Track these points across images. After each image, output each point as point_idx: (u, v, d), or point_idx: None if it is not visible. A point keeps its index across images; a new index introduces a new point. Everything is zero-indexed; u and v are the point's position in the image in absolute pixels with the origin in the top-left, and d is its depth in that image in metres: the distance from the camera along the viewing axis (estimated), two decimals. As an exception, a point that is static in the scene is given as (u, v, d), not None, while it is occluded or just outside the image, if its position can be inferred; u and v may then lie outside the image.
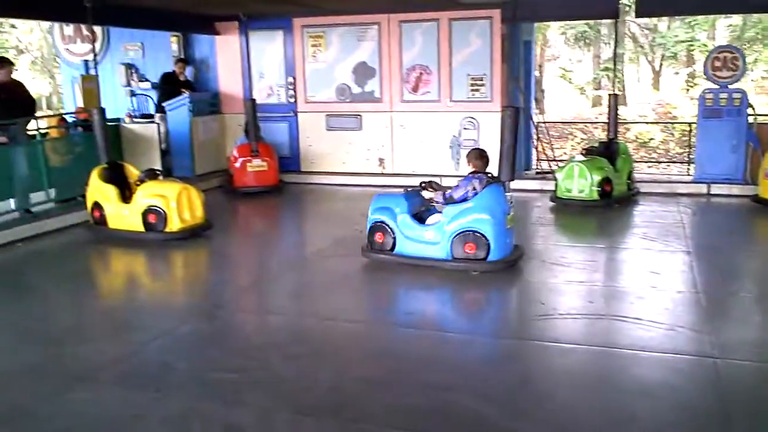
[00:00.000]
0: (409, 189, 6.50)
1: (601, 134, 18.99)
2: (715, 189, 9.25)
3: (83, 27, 11.51)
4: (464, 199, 6.05)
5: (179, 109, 10.56)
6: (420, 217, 6.34)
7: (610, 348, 4.43)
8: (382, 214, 6.32)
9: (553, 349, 4.43)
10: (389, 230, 6.28)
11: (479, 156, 6.21)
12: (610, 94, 9.61)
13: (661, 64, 26.02)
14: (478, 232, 5.89)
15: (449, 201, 6.12)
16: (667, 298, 5.29)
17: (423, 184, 6.40)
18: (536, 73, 13.54)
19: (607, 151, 9.07)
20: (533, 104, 11.34)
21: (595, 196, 8.49)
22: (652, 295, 5.37)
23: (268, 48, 11.10)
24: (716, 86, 9.23)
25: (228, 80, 11.45)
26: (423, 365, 4.29)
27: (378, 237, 6.33)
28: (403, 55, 10.43)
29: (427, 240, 6.12)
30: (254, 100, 10.11)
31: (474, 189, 6.04)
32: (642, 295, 5.37)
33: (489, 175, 6.12)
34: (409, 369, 4.23)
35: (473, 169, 6.18)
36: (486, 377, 4.11)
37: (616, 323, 4.81)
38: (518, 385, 4.02)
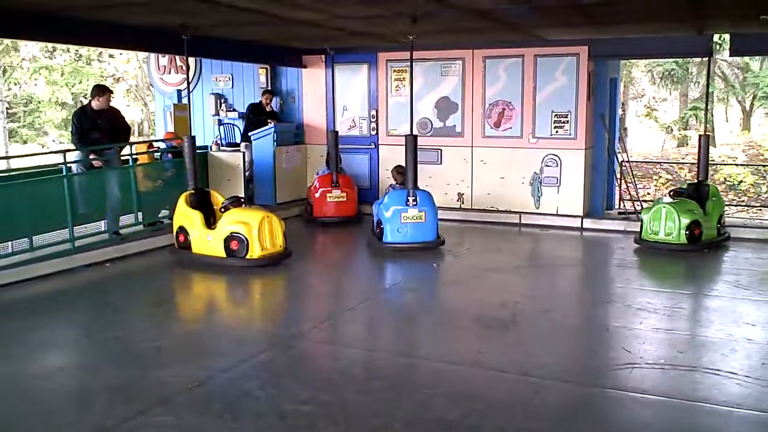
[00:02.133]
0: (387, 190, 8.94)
1: (686, 175, 18.39)
2: (814, 237, 8.76)
3: (178, 58, 12.02)
4: None
5: (264, 138, 10.81)
6: None
7: (702, 403, 4.18)
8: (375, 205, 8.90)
9: (640, 400, 4.22)
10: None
11: (398, 171, 8.86)
12: (700, 135, 9.27)
13: (752, 104, 25.07)
14: (380, 220, 8.33)
15: None
16: (763, 352, 4.98)
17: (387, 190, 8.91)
18: (620, 112, 13.25)
19: (696, 194, 8.73)
20: (617, 143, 11.06)
21: (684, 239, 8.16)
22: (746, 348, 5.08)
23: (352, 81, 11.28)
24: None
25: (312, 112, 11.67)
26: (499, 409, 4.17)
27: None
28: (487, 91, 10.39)
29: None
30: (337, 132, 10.26)
31: (388, 193, 8.61)
32: (735, 348, 5.08)
33: (401, 184, 8.61)
34: (486, 412, 4.11)
35: (394, 182, 8.93)
36: (566, 426, 3.95)
37: (708, 376, 4.54)
38: (602, 436, 3.85)
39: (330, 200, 10.08)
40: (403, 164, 8.65)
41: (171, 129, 11.27)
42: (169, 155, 9.94)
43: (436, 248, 8.38)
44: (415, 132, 10.74)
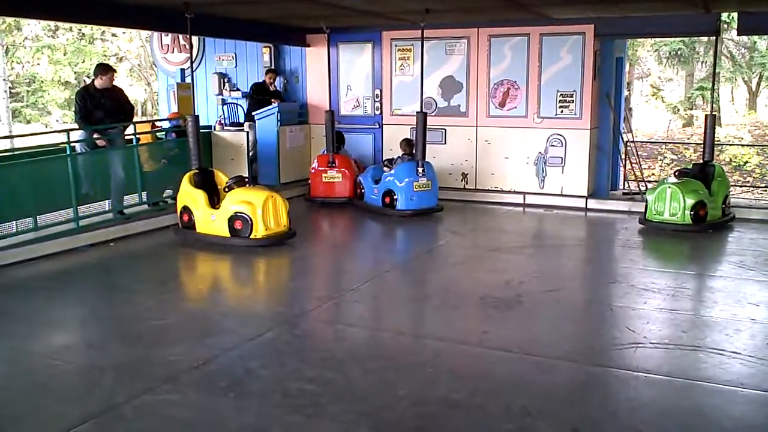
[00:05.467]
0: (382, 163, 9.92)
1: (692, 155, 18.30)
2: (820, 218, 8.72)
3: (181, 37, 11.95)
4: None
5: (268, 118, 10.77)
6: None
7: (705, 382, 4.19)
8: (363, 177, 9.84)
9: (643, 380, 4.23)
10: (361, 186, 9.77)
11: (406, 144, 9.50)
12: (706, 115, 9.21)
13: (758, 84, 24.87)
14: (392, 190, 9.14)
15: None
16: (767, 332, 4.99)
17: (385, 162, 9.71)
18: (625, 91, 13.16)
19: (701, 174, 8.70)
20: (622, 123, 11.00)
21: (688, 220, 8.14)
22: (751, 328, 5.08)
23: (357, 60, 11.21)
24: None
25: (316, 91, 11.60)
26: (505, 388, 4.18)
27: (359, 189, 9.85)
28: (492, 70, 10.33)
29: (375, 195, 9.48)
30: (333, 111, 10.13)
31: (397, 165, 9.34)
32: (739, 328, 5.08)
33: (410, 156, 9.31)
34: (491, 391, 4.13)
35: (402, 153, 9.47)
36: (571, 405, 3.96)
37: (712, 356, 4.55)
38: (605, 416, 3.85)
39: (325, 180, 10.04)
40: (410, 137, 9.77)
41: (175, 109, 11.24)
42: (173, 135, 9.91)
43: (438, 212, 9.39)
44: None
